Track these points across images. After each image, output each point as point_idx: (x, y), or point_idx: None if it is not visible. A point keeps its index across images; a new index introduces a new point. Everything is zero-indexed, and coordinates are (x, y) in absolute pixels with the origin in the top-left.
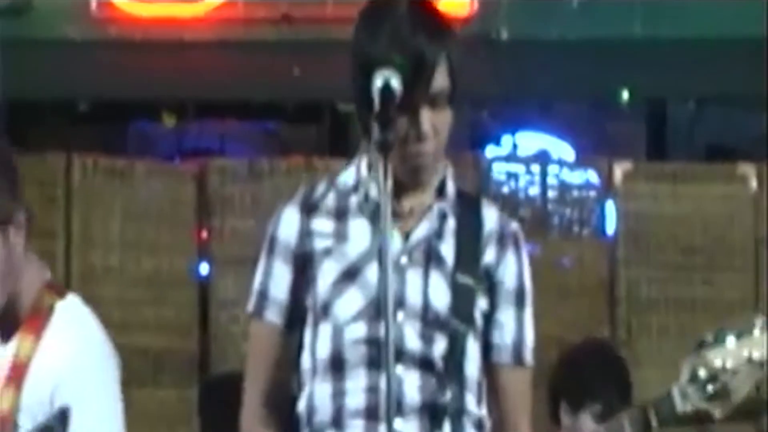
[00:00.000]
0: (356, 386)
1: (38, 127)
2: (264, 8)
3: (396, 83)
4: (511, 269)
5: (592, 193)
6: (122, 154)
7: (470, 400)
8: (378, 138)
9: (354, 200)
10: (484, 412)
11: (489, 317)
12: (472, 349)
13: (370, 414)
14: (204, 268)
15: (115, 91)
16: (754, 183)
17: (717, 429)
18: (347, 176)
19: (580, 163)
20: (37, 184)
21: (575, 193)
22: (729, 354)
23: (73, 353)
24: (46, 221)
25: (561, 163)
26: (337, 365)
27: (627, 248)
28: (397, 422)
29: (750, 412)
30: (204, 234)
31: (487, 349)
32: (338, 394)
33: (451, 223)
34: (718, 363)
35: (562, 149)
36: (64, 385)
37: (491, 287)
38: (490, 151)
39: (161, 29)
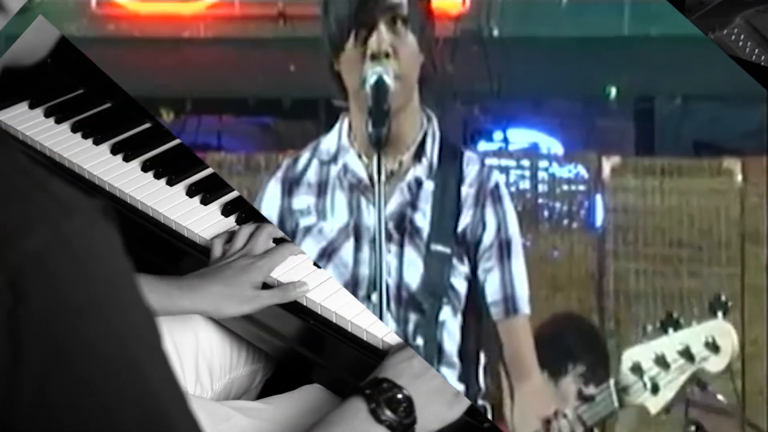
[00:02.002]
0: None
1: None
2: (260, 6)
3: (389, 79)
4: (491, 226)
5: (582, 187)
6: None
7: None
8: (372, 132)
9: (333, 171)
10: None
11: (474, 280)
12: (451, 323)
13: None
14: None
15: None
16: (739, 177)
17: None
18: (329, 142)
19: (570, 157)
20: None
21: (565, 187)
22: (664, 344)
23: None
24: None
25: (551, 157)
26: None
27: (615, 241)
28: None
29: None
30: None
31: (480, 311)
32: None
33: (428, 188)
34: (652, 354)
35: (552, 144)
36: None
37: (470, 249)
38: (482, 146)
39: (160, 26)
